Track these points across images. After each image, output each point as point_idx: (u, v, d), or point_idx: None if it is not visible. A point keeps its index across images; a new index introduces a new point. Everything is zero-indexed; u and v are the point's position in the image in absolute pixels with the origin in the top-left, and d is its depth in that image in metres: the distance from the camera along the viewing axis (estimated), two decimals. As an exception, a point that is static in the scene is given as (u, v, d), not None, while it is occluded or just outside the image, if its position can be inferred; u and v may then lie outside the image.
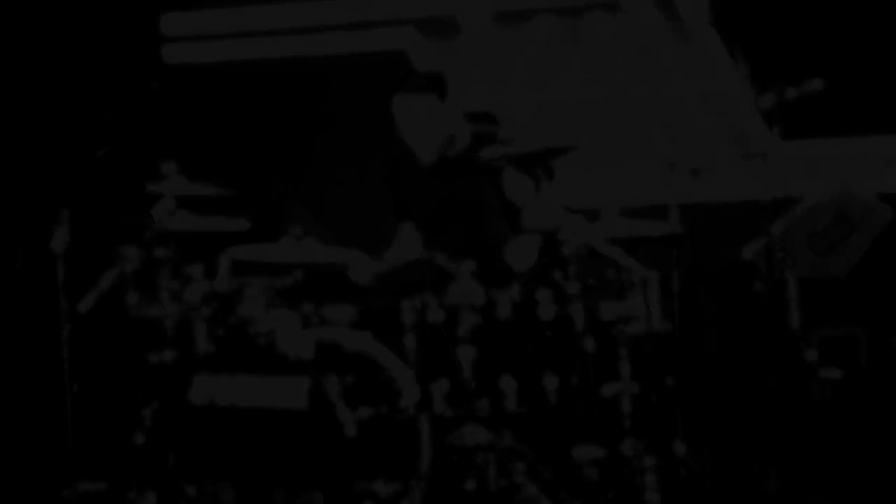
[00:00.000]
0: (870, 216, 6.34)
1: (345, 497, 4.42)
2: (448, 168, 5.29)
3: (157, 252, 4.93)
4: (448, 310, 4.61)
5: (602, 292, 4.86)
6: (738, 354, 6.38)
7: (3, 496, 5.41)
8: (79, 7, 6.95)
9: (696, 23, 6.64)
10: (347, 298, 5.04)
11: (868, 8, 6.38)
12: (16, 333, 6.58)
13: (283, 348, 4.61)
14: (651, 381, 5.06)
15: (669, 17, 6.66)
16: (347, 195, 6.85)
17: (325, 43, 6.96)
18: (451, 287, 4.61)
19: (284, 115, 7.00)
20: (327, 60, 6.94)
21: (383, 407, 4.55)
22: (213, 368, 4.66)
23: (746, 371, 6.16)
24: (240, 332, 4.77)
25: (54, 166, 6.46)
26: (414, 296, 4.72)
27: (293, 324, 4.75)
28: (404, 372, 4.65)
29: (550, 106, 6.78)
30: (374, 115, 6.03)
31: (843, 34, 6.36)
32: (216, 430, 4.62)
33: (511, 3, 6.82)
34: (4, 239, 6.74)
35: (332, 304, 4.89)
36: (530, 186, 5.05)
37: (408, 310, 4.72)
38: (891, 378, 5.89)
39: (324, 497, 4.43)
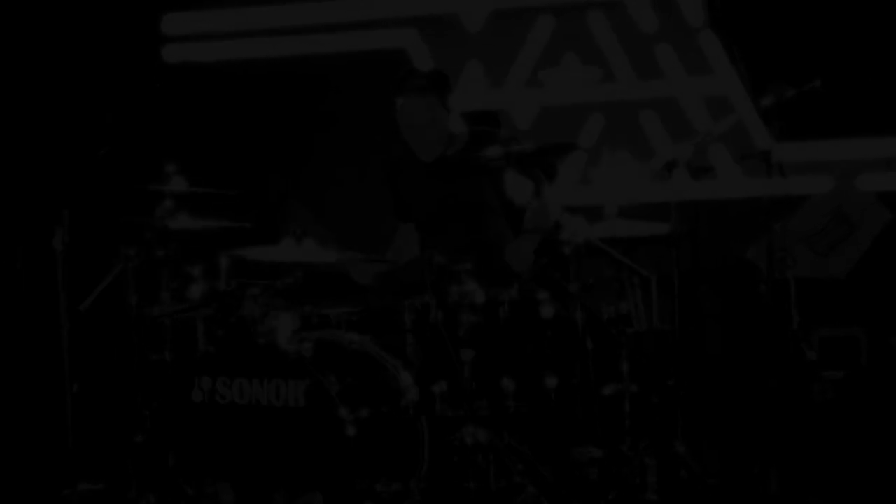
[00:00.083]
0: (869, 216, 6.34)
1: (345, 497, 4.42)
2: (448, 168, 5.29)
3: (158, 252, 4.94)
4: (448, 310, 4.61)
5: (602, 292, 4.86)
6: (738, 354, 6.38)
7: (3, 496, 5.40)
8: (79, 7, 6.95)
9: (696, 23, 6.64)
10: (347, 298, 5.04)
11: (868, 8, 6.37)
12: (16, 333, 6.58)
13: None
14: (651, 380, 5.05)
15: (669, 17, 6.66)
16: (347, 195, 6.84)
17: (325, 43, 6.96)
18: (451, 287, 4.61)
19: (284, 115, 6.99)
20: (327, 60, 6.94)
21: (383, 407, 4.55)
22: (214, 368, 4.66)
23: (747, 371, 6.16)
24: (240, 331, 4.77)
25: (55, 166, 6.46)
26: (414, 296, 4.72)
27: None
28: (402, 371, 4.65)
29: (550, 106, 6.77)
30: (374, 115, 6.04)
31: (842, 34, 6.36)
32: (216, 429, 4.63)
33: (511, 2, 6.82)
34: (4, 239, 6.75)
35: (332, 304, 4.90)
36: (530, 186, 5.05)
37: (408, 310, 4.72)
38: (891, 378, 5.88)
39: (324, 497, 4.43)
